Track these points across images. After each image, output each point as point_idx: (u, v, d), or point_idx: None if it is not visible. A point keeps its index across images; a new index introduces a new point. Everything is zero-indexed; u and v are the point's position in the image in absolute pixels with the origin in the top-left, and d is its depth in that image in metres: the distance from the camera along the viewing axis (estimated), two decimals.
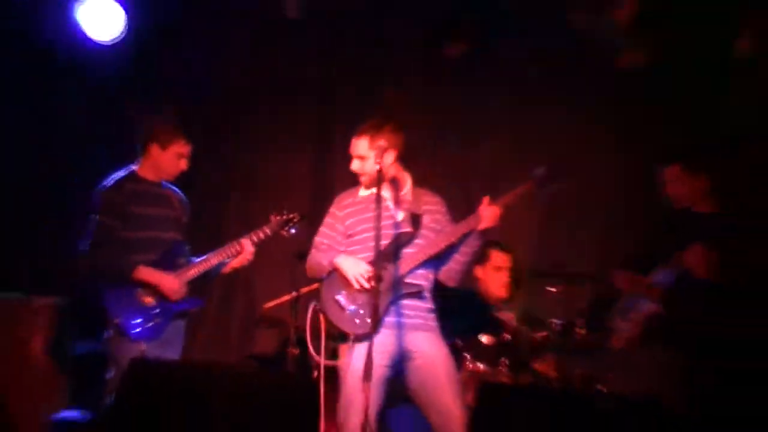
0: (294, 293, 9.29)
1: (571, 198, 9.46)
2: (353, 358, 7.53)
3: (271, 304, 9.63)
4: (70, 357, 9.01)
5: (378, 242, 7.43)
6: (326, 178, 10.61)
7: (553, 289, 9.47)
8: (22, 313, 8.82)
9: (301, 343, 8.97)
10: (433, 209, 8.00)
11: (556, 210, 9.35)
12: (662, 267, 8.22)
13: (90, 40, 9.77)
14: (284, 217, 8.78)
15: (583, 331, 9.14)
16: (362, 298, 7.64)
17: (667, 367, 7.96)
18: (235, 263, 8.72)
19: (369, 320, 7.44)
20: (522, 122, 10.62)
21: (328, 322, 7.84)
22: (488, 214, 7.76)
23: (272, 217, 8.78)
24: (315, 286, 8.98)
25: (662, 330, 8.14)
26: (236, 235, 8.76)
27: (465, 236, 7.85)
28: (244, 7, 10.37)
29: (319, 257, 7.89)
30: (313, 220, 8.76)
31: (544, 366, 9.25)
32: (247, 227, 8.85)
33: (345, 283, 7.71)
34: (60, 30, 9.86)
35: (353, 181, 8.13)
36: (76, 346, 9.09)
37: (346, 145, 8.07)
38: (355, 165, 7.90)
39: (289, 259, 9.49)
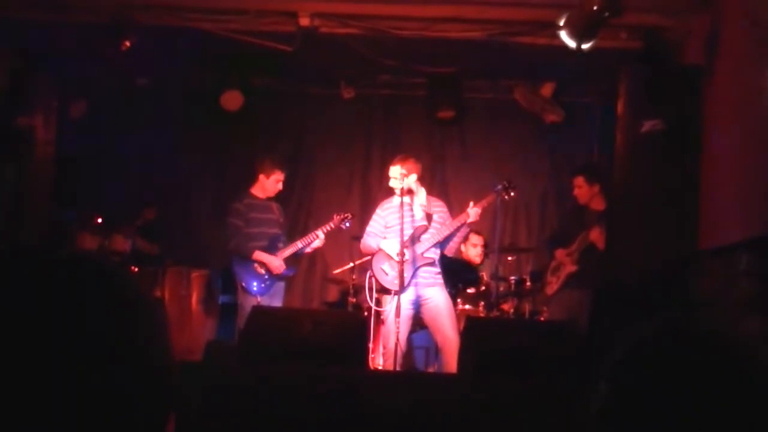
0: (351, 264, 9.41)
1: (518, 201, 9.51)
2: (391, 305, 8.07)
3: (337, 270, 9.77)
4: (216, 305, 9.31)
5: (403, 232, 7.97)
6: (366, 192, 10.73)
7: (510, 258, 9.76)
8: (185, 279, 9.07)
9: (356, 294, 9.32)
10: (440, 210, 8.41)
11: (509, 208, 9.37)
12: (577, 242, 8.63)
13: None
14: (342, 216, 9.01)
15: (529, 284, 9.39)
16: (397, 267, 8.15)
17: (578, 304, 8.31)
18: (314, 245, 9.01)
19: (403, 282, 7.98)
20: (485, 156, 10.77)
21: (377, 283, 8.35)
22: (473, 212, 8.22)
23: (335, 216, 9.01)
24: (365, 259, 9.44)
25: (576, 281, 8.59)
26: (313, 229, 9.14)
27: (459, 227, 8.37)
28: (321, 93, 10.44)
29: (369, 241, 8.27)
30: (360, 218, 9.26)
31: (506, 306, 9.44)
32: (320, 223, 9.19)
33: (387, 258, 8.20)
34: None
35: (384, 193, 8.56)
36: (219, 298, 9.39)
37: (379, 170, 8.46)
38: (391, 183, 8.28)
39: (347, 241, 9.81)
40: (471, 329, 6.47)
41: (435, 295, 8.16)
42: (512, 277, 9.50)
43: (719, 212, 6.89)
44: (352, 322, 6.84)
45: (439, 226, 8.31)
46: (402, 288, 7.94)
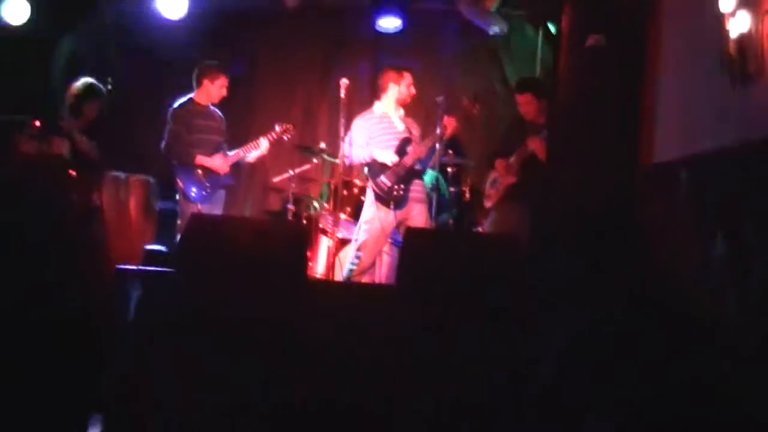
0: (291, 172, 9.36)
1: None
2: (385, 217, 8.25)
3: (277, 179, 9.73)
4: (154, 212, 9.16)
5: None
6: (309, 102, 10.77)
7: (450, 170, 9.44)
8: (124, 185, 8.93)
9: (295, 202, 9.33)
10: (414, 124, 8.64)
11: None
12: (516, 153, 8.59)
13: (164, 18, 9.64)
14: (284, 127, 9.01)
15: (468, 196, 9.45)
16: (393, 177, 8.22)
17: (518, 218, 8.20)
18: (257, 155, 8.98)
19: (402, 192, 8.23)
20: (429, 68, 10.48)
21: (377, 193, 8.31)
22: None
23: (276, 126, 9.01)
24: (304, 167, 9.53)
25: (515, 193, 8.56)
26: (255, 137, 9.08)
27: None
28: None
29: (358, 152, 8.32)
30: (302, 127, 9.23)
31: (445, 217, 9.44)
32: (260, 133, 9.11)
33: (383, 168, 8.22)
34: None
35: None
36: (158, 204, 9.20)
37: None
38: (406, 92, 8.47)
39: (287, 150, 9.73)
40: (410, 240, 6.42)
41: (419, 214, 8.32)
42: (451, 189, 9.44)
43: (662, 133, 6.83)
44: (293, 231, 6.79)
45: (417, 139, 8.44)
46: (401, 201, 8.25)
